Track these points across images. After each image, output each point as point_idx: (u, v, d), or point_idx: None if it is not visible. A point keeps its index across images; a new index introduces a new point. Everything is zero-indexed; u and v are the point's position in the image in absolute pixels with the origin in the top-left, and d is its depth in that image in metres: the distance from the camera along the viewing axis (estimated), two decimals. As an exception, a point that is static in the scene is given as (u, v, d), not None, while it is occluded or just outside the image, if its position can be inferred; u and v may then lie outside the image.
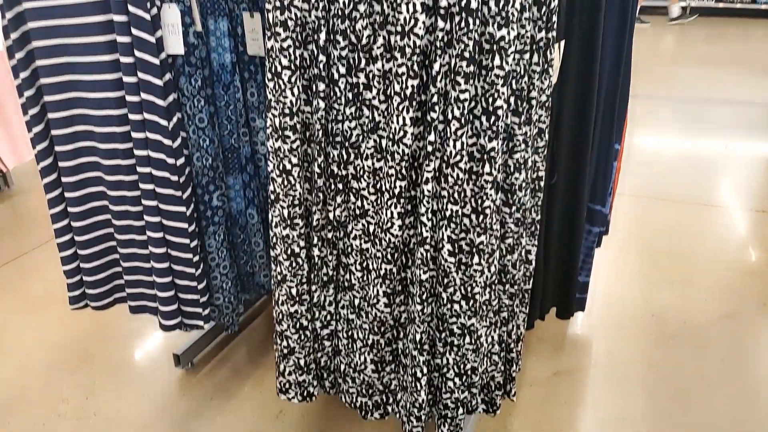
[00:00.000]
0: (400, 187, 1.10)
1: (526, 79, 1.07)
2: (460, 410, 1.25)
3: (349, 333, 1.28)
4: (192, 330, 1.59)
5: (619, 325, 2.14)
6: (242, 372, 1.93)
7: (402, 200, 1.11)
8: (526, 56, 1.06)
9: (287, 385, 1.33)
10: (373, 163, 1.13)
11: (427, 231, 1.11)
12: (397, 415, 1.32)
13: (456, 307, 1.16)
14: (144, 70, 1.30)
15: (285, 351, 1.30)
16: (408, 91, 1.03)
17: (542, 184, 1.33)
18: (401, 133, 1.06)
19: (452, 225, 1.10)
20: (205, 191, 1.51)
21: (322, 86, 1.09)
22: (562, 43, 1.37)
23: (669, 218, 2.95)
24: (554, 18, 1.16)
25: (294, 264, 1.22)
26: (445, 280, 1.14)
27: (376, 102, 1.08)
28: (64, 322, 2.18)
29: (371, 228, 1.17)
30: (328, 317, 1.30)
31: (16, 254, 2.69)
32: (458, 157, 1.05)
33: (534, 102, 1.16)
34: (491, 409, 1.34)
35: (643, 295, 2.31)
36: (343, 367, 1.32)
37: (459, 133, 1.03)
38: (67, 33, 1.33)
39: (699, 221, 2.92)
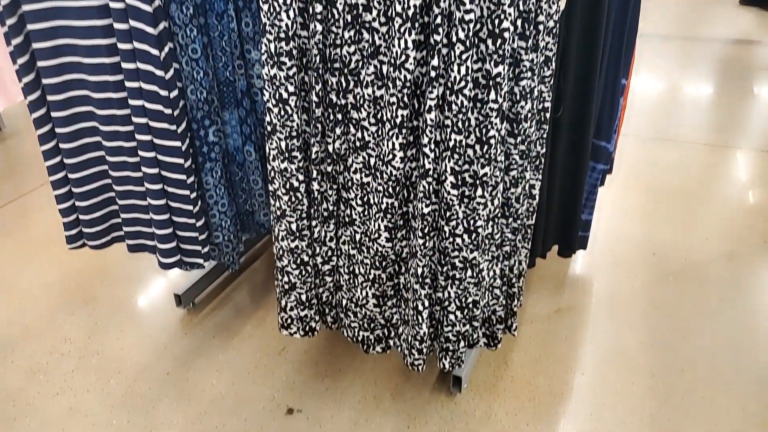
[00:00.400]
0: (402, 116, 1.06)
1: (533, 0, 1.02)
2: (461, 343, 1.25)
3: (351, 268, 1.27)
4: (192, 269, 1.58)
5: (621, 263, 2.14)
6: (244, 311, 1.93)
7: (404, 130, 1.07)
8: (535, -25, 1.01)
9: (289, 321, 1.33)
10: (373, 91, 1.08)
11: (429, 163, 1.08)
12: (399, 349, 1.32)
13: (458, 240, 1.14)
14: (132, -4, 1.24)
15: (286, 286, 1.29)
16: (410, 12, 0.97)
17: (548, 116, 1.29)
18: (403, 57, 1.01)
19: (456, 156, 1.06)
20: (200, 126, 1.47)
21: (319, 8, 1.03)
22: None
23: (673, 158, 2.91)
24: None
25: (293, 198, 1.20)
26: (448, 214, 1.12)
27: (376, 24, 1.03)
28: (65, 263, 2.18)
29: (372, 161, 1.14)
30: (329, 253, 1.28)
31: (14, 196, 2.67)
32: (462, 83, 1.00)
33: (541, 27, 1.10)
34: (492, 343, 1.35)
35: (645, 234, 2.30)
36: (344, 302, 1.31)
37: (464, 57, 0.98)
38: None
39: (703, 161, 2.88)
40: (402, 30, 0.99)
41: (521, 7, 1.01)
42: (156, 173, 1.41)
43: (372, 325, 1.29)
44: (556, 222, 1.81)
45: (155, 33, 1.27)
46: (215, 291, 2.03)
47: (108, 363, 1.71)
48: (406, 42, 0.99)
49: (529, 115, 1.16)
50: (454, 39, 0.98)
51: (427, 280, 1.18)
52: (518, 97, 1.09)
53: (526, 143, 1.19)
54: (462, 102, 1.02)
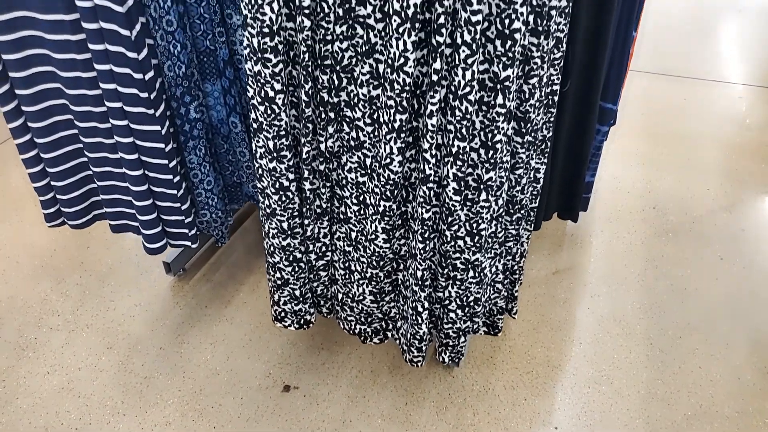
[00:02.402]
0: (401, 120, 0.97)
1: (550, -7, 0.90)
2: (462, 338, 1.22)
3: (346, 264, 1.21)
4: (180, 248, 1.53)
5: (620, 219, 2.10)
6: (236, 277, 1.90)
7: (402, 134, 0.99)
8: (552, -36, 0.88)
9: (283, 314, 1.29)
10: (369, 91, 0.98)
11: (430, 168, 1.00)
12: (397, 342, 1.30)
13: (460, 243, 1.09)
14: (94, -30, 1.09)
15: (279, 282, 1.24)
16: (410, 11, 0.86)
17: (556, 98, 1.20)
18: (401, 59, 0.91)
19: (459, 162, 0.99)
20: (180, 104, 1.36)
21: (306, 1, 0.91)
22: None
23: (675, 96, 2.81)
24: None
25: (284, 198, 1.12)
26: (449, 219, 1.05)
27: (371, 21, 0.92)
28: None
29: (368, 161, 1.06)
30: (323, 248, 1.22)
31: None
32: (468, 89, 0.91)
33: (554, 12, 0.99)
34: (492, 331, 1.33)
35: (646, 184, 2.25)
36: (340, 296, 1.27)
37: (469, 61, 0.88)
38: None
39: (705, 99, 2.78)
40: (401, 30, 0.88)
41: (534, 2, 0.89)
42: (135, 158, 1.32)
43: (369, 319, 1.26)
44: (559, 187, 1.75)
45: (123, 11, 1.14)
46: (205, 254, 1.98)
47: (99, 337, 1.69)
48: (405, 43, 0.89)
49: (538, 104, 1.07)
50: (459, 41, 0.87)
51: (427, 282, 1.14)
52: (527, 95, 1.00)
53: (532, 134, 1.11)
54: (466, 108, 0.93)
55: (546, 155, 1.26)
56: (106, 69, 1.21)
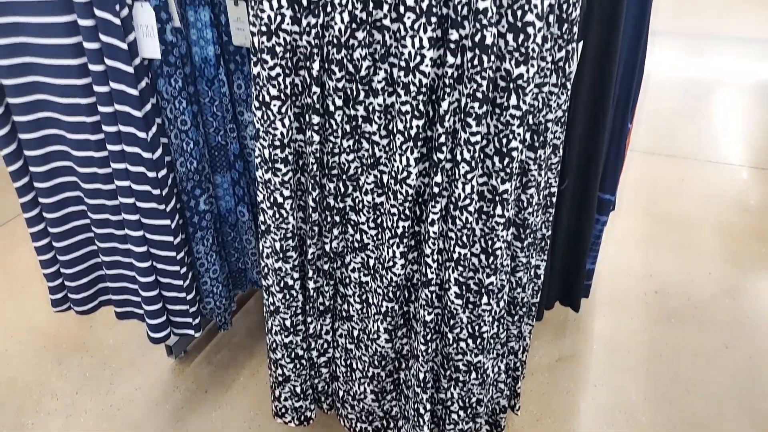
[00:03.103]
0: (403, 227, 1.00)
1: (544, 112, 0.96)
2: (463, 438, 1.22)
3: (348, 362, 1.22)
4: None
5: (622, 303, 2.10)
6: (237, 359, 1.89)
7: (405, 239, 1.02)
8: (545, 88, 0.94)
9: (283, 410, 1.29)
10: (373, 198, 1.03)
11: (432, 272, 1.02)
12: (398, 439, 1.29)
13: (462, 345, 1.10)
14: (116, 80, 1.16)
15: (280, 378, 1.25)
16: (412, 132, 0.91)
17: (554, 199, 1.24)
18: (404, 173, 0.95)
19: (460, 268, 1.01)
20: (191, 197, 1.41)
21: (316, 119, 0.97)
22: (581, 44, 1.23)
23: (672, 176, 2.86)
24: (575, 29, 1.03)
25: (288, 296, 1.14)
26: (451, 322, 1.07)
27: (376, 137, 0.97)
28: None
29: (371, 262, 1.09)
30: (325, 345, 1.23)
31: (4, 219, 2.60)
32: (467, 201, 0.95)
33: (550, 124, 1.04)
34: (495, 429, 1.32)
35: (647, 267, 2.26)
36: (341, 393, 1.27)
37: (469, 176, 0.93)
38: (29, 32, 1.18)
39: (703, 179, 2.84)
40: (404, 148, 0.93)
41: (531, 122, 0.95)
42: (144, 251, 1.35)
43: (370, 417, 1.25)
44: (560, 275, 1.77)
45: (141, 115, 1.20)
46: (207, 336, 1.99)
47: (97, 422, 1.67)
48: (408, 159, 0.93)
49: (537, 207, 1.11)
50: (459, 158, 0.92)
51: (429, 383, 1.14)
52: (525, 204, 1.03)
53: (531, 237, 1.14)
54: (466, 218, 0.96)
55: (546, 252, 1.29)
56: (122, 168, 1.26)
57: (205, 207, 1.45)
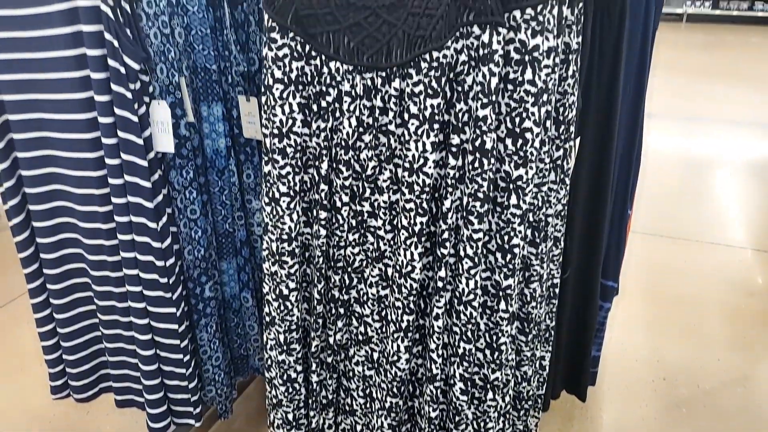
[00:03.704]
0: (408, 321, 1.01)
1: (544, 209, 0.99)
2: None
3: (351, 457, 1.20)
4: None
5: (630, 391, 2.06)
6: (237, 451, 1.84)
7: (410, 333, 1.02)
8: (545, 187, 0.98)
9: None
10: (378, 291, 1.04)
11: (437, 368, 1.02)
12: None
13: (466, 441, 1.08)
14: (131, 173, 1.21)
15: (282, 473, 1.22)
16: (416, 228, 0.94)
17: (557, 290, 1.25)
18: (409, 267, 0.97)
19: (465, 363, 1.01)
20: (196, 284, 1.42)
21: (323, 214, 1.00)
22: (578, 140, 1.28)
23: (675, 258, 2.87)
24: (572, 128, 1.07)
25: (290, 389, 1.14)
26: (456, 418, 1.05)
27: (381, 232, 0.99)
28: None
29: (375, 355, 1.09)
30: (328, 439, 1.21)
31: (7, 299, 2.60)
32: (471, 296, 0.96)
33: (550, 218, 1.07)
34: None
35: (654, 352, 2.23)
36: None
37: (472, 271, 0.94)
38: (51, 127, 1.24)
39: (706, 262, 2.84)
40: (408, 243, 0.95)
41: (531, 219, 0.97)
42: (149, 339, 1.35)
43: None
44: (565, 364, 1.75)
45: (152, 206, 1.24)
46: (207, 422, 1.94)
47: None
48: (412, 254, 0.96)
49: (540, 299, 1.11)
50: (462, 253, 0.94)
51: (433, 481, 1.11)
52: (528, 298, 1.04)
53: (536, 330, 1.14)
54: (471, 313, 0.97)
55: (550, 343, 1.28)
56: (131, 256, 1.28)
57: (210, 294, 1.46)
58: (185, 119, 1.29)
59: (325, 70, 0.93)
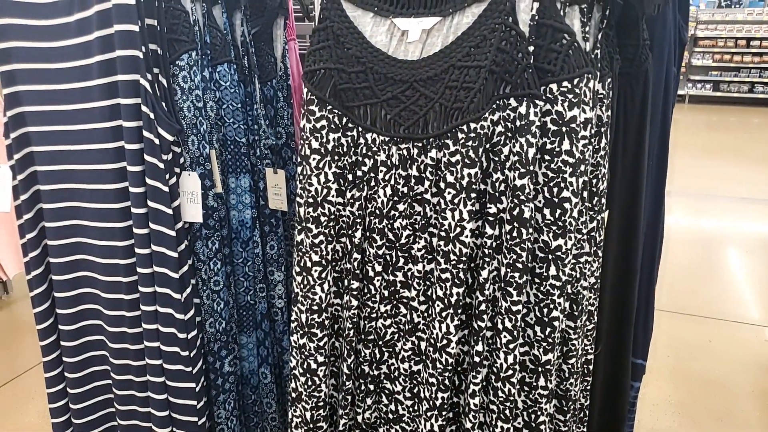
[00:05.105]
0: (442, 398, 0.97)
1: (582, 281, 0.97)
2: None
3: None
4: None
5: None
6: None
7: (444, 412, 0.98)
8: (582, 259, 0.96)
9: None
10: (410, 366, 1.00)
11: (472, 449, 0.97)
12: None
13: None
14: (158, 243, 1.20)
15: None
16: (453, 299, 0.92)
17: (591, 367, 1.20)
18: (444, 341, 0.94)
19: (502, 445, 0.96)
20: (216, 358, 1.38)
21: (355, 284, 0.98)
22: (606, 213, 1.27)
23: (700, 337, 2.79)
24: (603, 200, 1.07)
25: (316, 471, 1.07)
26: (493, 505, 0.99)
27: (415, 303, 0.97)
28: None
29: (406, 435, 1.03)
30: None
31: (14, 374, 2.53)
32: (510, 372, 0.92)
33: (585, 291, 1.04)
34: None
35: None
36: None
37: (511, 346, 0.91)
38: (81, 198, 1.25)
39: (731, 341, 2.76)
40: (444, 315, 0.92)
41: (569, 291, 0.95)
42: (166, 416, 1.30)
43: None
44: (594, 448, 1.66)
45: (178, 276, 1.22)
46: None
47: None
48: (447, 327, 0.93)
49: (577, 379, 1.07)
50: (501, 327, 0.91)
51: None
52: (567, 374, 1.00)
53: (573, 409, 1.09)
54: (509, 390, 0.93)
55: (584, 423, 1.22)
56: (153, 328, 1.26)
57: (230, 368, 1.42)
58: (213, 190, 1.30)
59: (362, 141, 0.94)
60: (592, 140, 0.91)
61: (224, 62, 1.31)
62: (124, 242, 1.25)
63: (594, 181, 1.01)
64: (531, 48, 0.83)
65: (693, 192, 5.05)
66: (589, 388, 1.20)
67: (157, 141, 1.16)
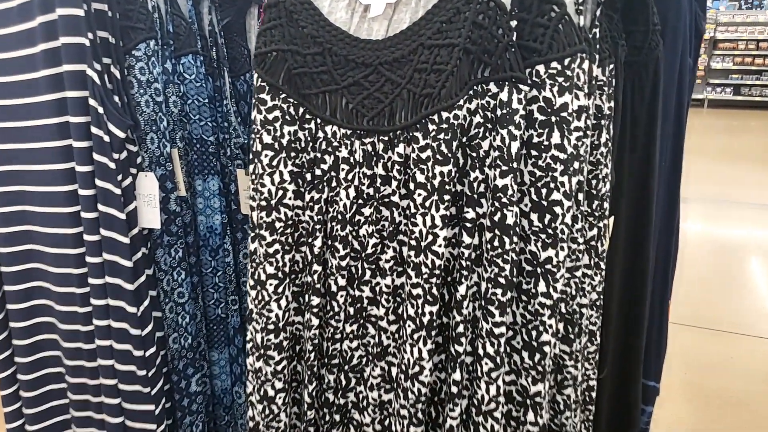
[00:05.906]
0: (415, 433, 0.83)
1: (578, 298, 0.83)
2: None
3: None
4: None
5: None
6: None
7: (417, 448, 0.84)
8: (578, 272, 0.82)
9: None
10: (380, 395, 0.87)
11: (450, 493, 0.83)
12: None
13: None
14: (111, 251, 1.09)
15: None
16: (425, 319, 0.78)
17: (594, 394, 1.06)
18: (416, 368, 0.81)
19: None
20: (181, 377, 1.26)
21: (316, 300, 0.85)
22: (611, 219, 1.13)
23: (719, 352, 2.62)
24: (606, 205, 0.93)
25: None
26: None
27: (384, 323, 0.84)
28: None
29: (376, 473, 0.90)
30: None
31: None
32: (493, 405, 0.79)
33: (585, 309, 0.91)
34: None
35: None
36: None
37: (493, 375, 0.78)
38: (31, 201, 1.14)
39: (750, 356, 2.58)
40: (415, 337, 0.79)
41: (563, 310, 0.81)
42: (122, 442, 1.18)
43: None
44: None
45: (132, 289, 1.10)
46: None
47: None
48: (420, 351, 0.79)
49: (575, 410, 0.93)
50: (481, 353, 0.77)
51: None
52: (562, 407, 0.86)
53: (570, 443, 0.95)
54: (492, 425, 0.80)
55: (587, 457, 1.08)
56: (107, 345, 1.14)
57: (197, 388, 1.30)
58: (176, 193, 1.18)
59: (321, 134, 0.81)
60: (589, 133, 0.78)
61: (189, 53, 1.20)
62: (77, 250, 1.13)
63: (594, 182, 0.87)
64: (513, 22, 0.70)
65: (711, 198, 4.86)
66: (591, 417, 1.06)
67: (106, 138, 1.05)
